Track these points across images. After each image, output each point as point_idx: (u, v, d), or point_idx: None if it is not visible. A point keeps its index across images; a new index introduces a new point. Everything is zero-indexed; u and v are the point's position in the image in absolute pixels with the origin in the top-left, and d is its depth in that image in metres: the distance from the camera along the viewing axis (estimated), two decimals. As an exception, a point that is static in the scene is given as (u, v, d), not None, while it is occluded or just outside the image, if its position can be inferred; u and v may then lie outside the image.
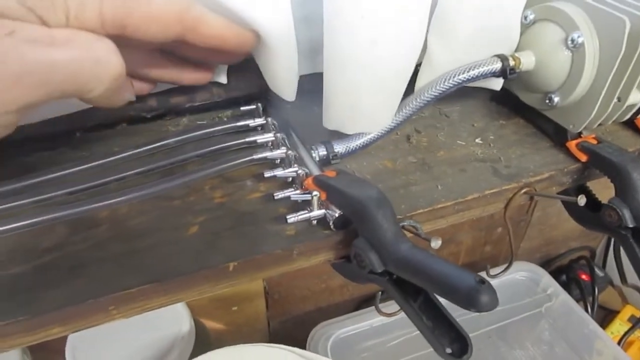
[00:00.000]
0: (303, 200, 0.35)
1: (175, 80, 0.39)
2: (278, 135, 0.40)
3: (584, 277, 0.88)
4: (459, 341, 0.31)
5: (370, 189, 0.32)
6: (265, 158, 0.38)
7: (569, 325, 0.68)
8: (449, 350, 0.30)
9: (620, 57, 0.36)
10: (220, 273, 0.32)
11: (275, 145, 0.39)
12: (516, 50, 0.41)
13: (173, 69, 0.38)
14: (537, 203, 0.80)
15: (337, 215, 0.33)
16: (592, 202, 0.43)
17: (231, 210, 0.36)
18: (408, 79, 0.37)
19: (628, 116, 0.42)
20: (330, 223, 0.34)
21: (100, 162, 0.38)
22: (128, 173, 0.38)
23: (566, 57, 0.38)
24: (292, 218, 0.34)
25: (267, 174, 0.37)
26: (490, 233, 0.80)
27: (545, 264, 0.91)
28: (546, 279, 0.72)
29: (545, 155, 0.42)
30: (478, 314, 0.75)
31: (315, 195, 0.34)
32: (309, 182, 0.35)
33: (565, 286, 0.87)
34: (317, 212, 0.34)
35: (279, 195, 0.35)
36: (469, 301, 0.27)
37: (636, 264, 0.39)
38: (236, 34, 0.34)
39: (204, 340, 0.56)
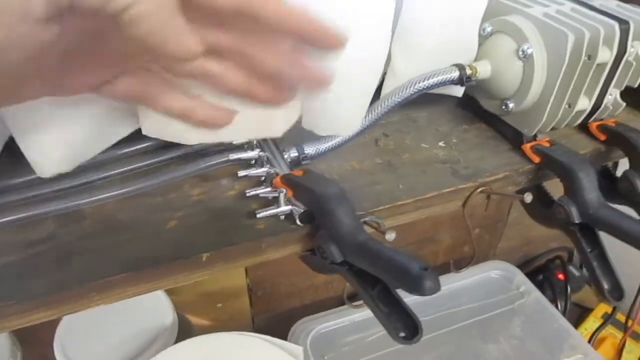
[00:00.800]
0: (272, 197, 0.38)
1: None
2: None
3: (560, 276, 0.91)
4: (411, 326, 0.34)
5: (332, 187, 0.35)
6: (240, 159, 0.41)
7: (540, 321, 0.71)
8: (402, 334, 0.33)
9: (565, 67, 0.39)
10: (194, 263, 0.35)
11: (250, 147, 0.42)
12: (475, 60, 0.45)
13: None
14: (514, 204, 0.83)
15: (302, 210, 0.36)
16: (546, 200, 0.46)
17: (207, 206, 0.39)
18: (374, 87, 0.40)
19: (579, 120, 0.46)
20: (296, 218, 0.37)
21: (87, 162, 0.41)
22: (113, 172, 0.41)
23: (518, 66, 0.41)
24: (261, 213, 0.37)
25: (241, 174, 0.40)
26: (469, 232, 0.83)
27: (524, 263, 0.94)
28: (519, 277, 0.75)
29: (503, 157, 0.45)
30: (455, 309, 0.77)
31: (282, 192, 0.37)
32: (277, 180, 0.38)
33: (542, 285, 0.90)
34: (285, 208, 0.37)
35: (250, 192, 0.38)
36: (415, 286, 0.30)
37: (584, 256, 0.42)
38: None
39: (189, 335, 0.59)
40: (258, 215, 0.37)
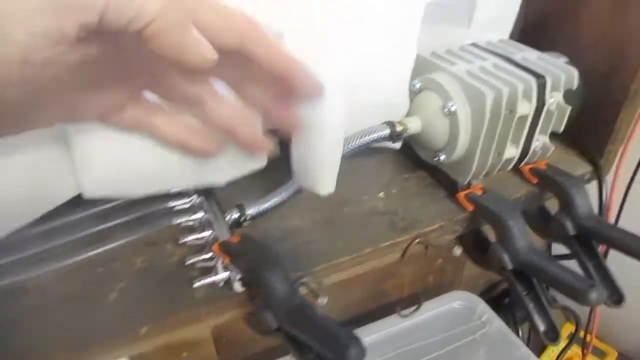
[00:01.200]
0: (211, 264, 0.39)
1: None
2: (197, 199, 0.44)
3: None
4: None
5: (265, 254, 0.37)
6: (180, 223, 0.42)
7: (502, 350, 0.72)
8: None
9: (487, 122, 0.41)
10: (133, 337, 0.36)
11: (193, 210, 0.43)
12: (409, 114, 0.46)
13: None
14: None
15: (238, 277, 0.37)
16: (484, 245, 0.48)
17: (149, 275, 0.40)
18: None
19: (510, 166, 0.48)
20: (233, 284, 0.38)
21: (29, 231, 0.41)
22: (55, 243, 0.41)
23: (445, 122, 0.43)
24: (198, 282, 0.38)
25: (182, 240, 0.41)
26: (432, 264, 0.85)
27: (488, 289, 0.96)
28: (481, 306, 0.76)
29: (440, 205, 0.47)
30: (417, 344, 0.77)
31: (219, 260, 0.38)
32: (215, 247, 0.39)
33: (511, 308, 0.92)
34: (222, 275, 0.38)
35: (189, 260, 0.39)
36: (341, 355, 0.31)
37: (520, 300, 0.44)
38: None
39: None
40: (195, 285, 0.38)
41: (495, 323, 0.75)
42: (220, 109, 0.32)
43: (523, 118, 0.44)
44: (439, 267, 0.88)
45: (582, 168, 0.53)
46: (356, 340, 0.31)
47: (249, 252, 0.37)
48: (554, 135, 0.51)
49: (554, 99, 0.44)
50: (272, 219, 0.45)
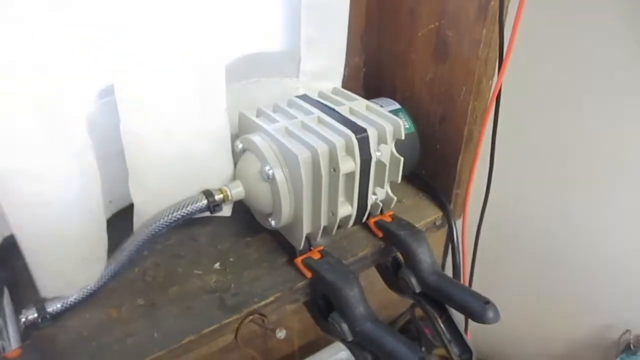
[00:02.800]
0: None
1: None
2: (-11, 300, 0.38)
3: (428, 331, 0.91)
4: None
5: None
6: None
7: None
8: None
9: (305, 183, 0.38)
10: None
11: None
12: (235, 177, 0.43)
13: None
14: (360, 275, 0.83)
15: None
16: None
17: None
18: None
19: (351, 223, 0.45)
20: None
21: None
22: None
23: (266, 187, 0.40)
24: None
25: (-44, 358, 0.34)
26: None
27: (392, 325, 0.94)
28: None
29: (278, 274, 0.43)
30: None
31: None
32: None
33: (420, 340, 0.90)
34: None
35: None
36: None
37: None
38: None
39: None
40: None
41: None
42: None
43: (350, 175, 0.41)
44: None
45: (434, 213, 0.51)
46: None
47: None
48: (409, 181, 0.50)
49: (382, 152, 0.42)
50: (86, 310, 0.39)
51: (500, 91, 0.43)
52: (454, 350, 0.43)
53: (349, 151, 0.40)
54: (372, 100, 0.49)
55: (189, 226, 0.48)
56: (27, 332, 0.37)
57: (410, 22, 0.48)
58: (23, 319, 0.37)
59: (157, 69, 0.35)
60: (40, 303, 0.38)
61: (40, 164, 0.31)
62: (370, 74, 0.56)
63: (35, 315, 0.37)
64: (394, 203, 0.47)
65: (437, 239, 0.61)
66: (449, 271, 0.54)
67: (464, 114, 0.46)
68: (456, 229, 0.51)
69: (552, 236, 0.59)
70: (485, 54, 0.43)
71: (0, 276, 0.40)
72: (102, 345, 0.37)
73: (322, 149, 0.39)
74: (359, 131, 0.41)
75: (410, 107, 0.50)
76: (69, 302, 0.39)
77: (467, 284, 0.56)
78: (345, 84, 0.53)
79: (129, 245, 0.40)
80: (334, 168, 0.40)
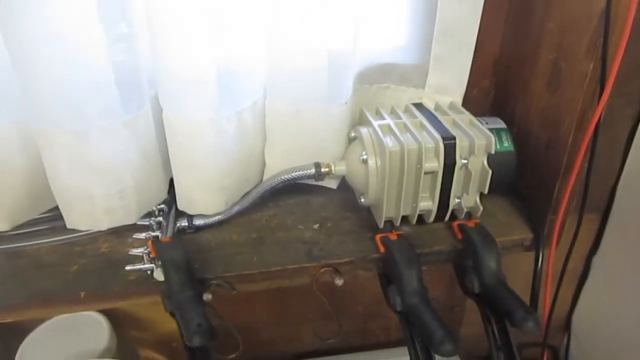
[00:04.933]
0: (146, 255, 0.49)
1: None
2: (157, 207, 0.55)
3: None
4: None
5: (175, 253, 0.46)
6: (136, 224, 0.53)
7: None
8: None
9: (388, 172, 0.46)
10: (75, 299, 0.47)
11: (152, 214, 0.54)
12: (343, 159, 0.53)
13: None
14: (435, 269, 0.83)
15: (156, 268, 0.47)
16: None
17: (105, 258, 0.51)
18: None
19: (432, 218, 0.51)
20: (154, 274, 0.47)
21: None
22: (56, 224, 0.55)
23: (362, 169, 0.49)
24: (127, 267, 0.48)
25: (134, 236, 0.52)
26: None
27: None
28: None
29: (360, 244, 0.52)
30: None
31: (145, 252, 0.47)
32: (149, 243, 0.49)
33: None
34: (147, 266, 0.48)
35: (132, 252, 0.50)
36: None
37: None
38: None
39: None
40: (126, 268, 0.48)
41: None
42: None
43: (433, 174, 0.47)
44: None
45: (523, 233, 0.53)
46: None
47: (167, 249, 0.46)
48: (509, 199, 0.53)
49: (469, 161, 0.47)
50: (217, 231, 0.54)
51: (598, 124, 0.44)
52: (501, 358, 0.46)
53: (436, 153, 0.47)
54: (483, 117, 0.54)
55: (307, 193, 0.59)
56: (178, 232, 0.53)
57: (535, 52, 0.52)
58: (178, 224, 0.53)
59: (304, 69, 0.48)
60: (190, 217, 0.54)
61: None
62: (497, 96, 0.60)
63: (186, 224, 0.53)
64: (480, 212, 0.51)
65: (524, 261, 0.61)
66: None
67: (565, 143, 0.48)
68: (543, 254, 0.52)
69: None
70: (592, 87, 0.45)
71: (173, 198, 0.57)
72: (219, 255, 0.51)
73: (411, 146, 0.46)
74: (448, 138, 0.47)
75: (524, 130, 0.53)
76: (208, 222, 0.54)
77: (546, 312, 0.57)
78: (475, 103, 0.59)
79: (254, 192, 0.53)
80: (418, 165, 0.47)
